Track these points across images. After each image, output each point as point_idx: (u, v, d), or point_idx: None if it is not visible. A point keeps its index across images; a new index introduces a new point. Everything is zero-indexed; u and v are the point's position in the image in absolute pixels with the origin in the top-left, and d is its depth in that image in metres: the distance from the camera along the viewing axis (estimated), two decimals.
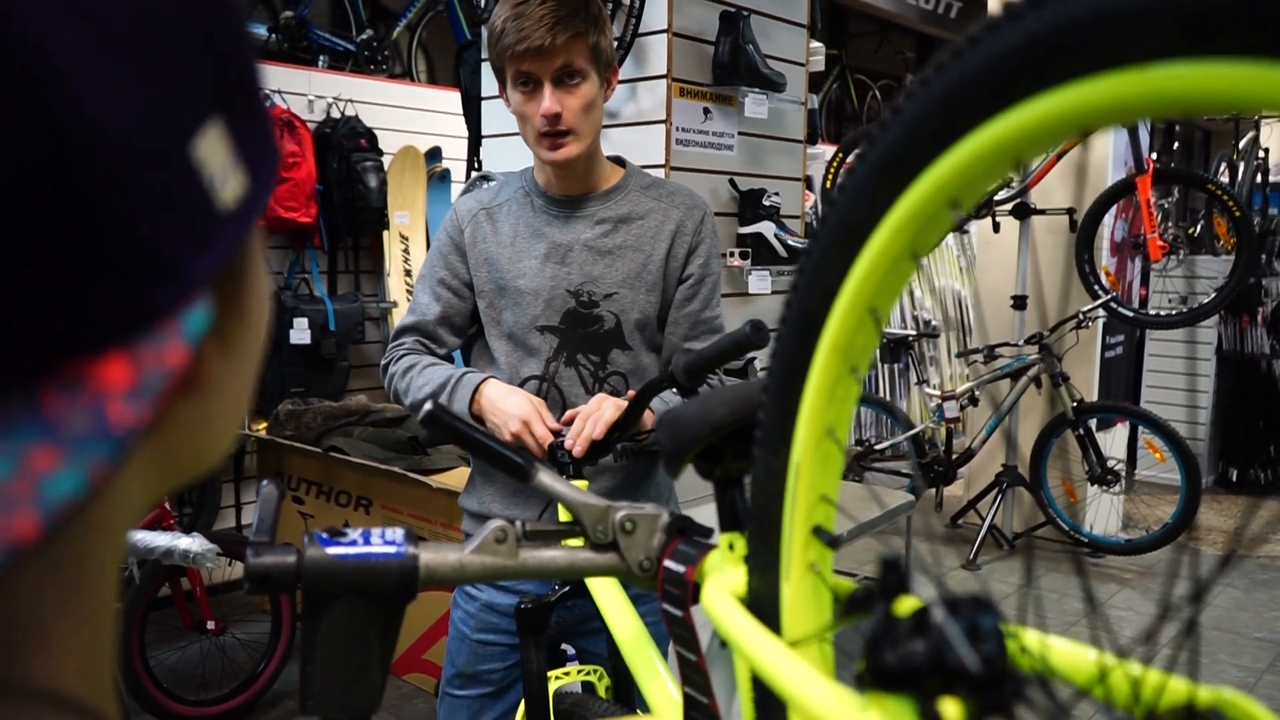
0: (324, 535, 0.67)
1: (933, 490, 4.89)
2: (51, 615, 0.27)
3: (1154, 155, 4.58)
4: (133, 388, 0.26)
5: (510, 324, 1.57)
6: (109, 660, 0.30)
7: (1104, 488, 4.47)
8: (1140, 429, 4.82)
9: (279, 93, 4.05)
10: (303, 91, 4.18)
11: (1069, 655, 0.41)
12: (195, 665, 3.09)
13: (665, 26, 2.61)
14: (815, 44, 3.18)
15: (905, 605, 0.39)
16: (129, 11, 0.25)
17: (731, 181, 2.81)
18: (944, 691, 0.36)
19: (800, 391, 0.53)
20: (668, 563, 0.75)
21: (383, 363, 1.61)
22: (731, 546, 0.71)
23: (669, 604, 0.75)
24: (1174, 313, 4.71)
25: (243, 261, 0.31)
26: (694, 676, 0.77)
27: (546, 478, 0.79)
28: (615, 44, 2.56)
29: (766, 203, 2.80)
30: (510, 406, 1.44)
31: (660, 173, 2.59)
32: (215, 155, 0.27)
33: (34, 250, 0.23)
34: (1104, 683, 0.39)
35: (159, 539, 2.16)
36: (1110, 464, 4.46)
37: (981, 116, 0.40)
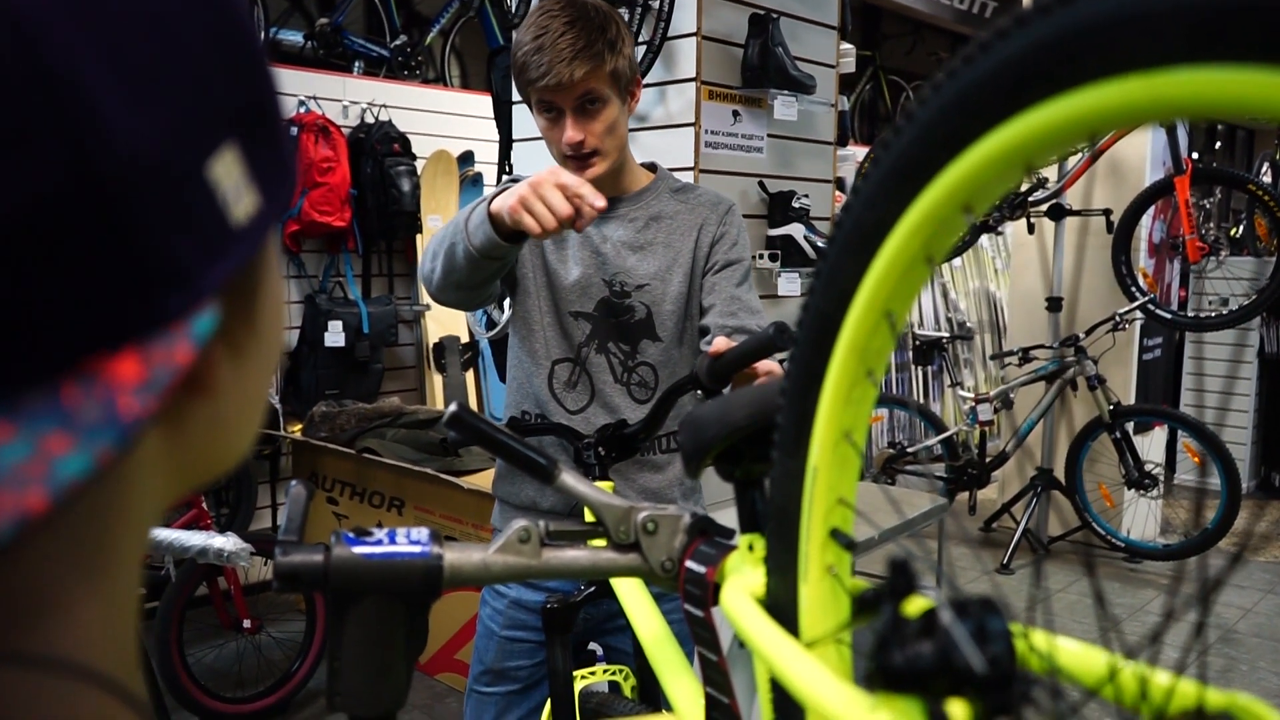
0: (350, 535, 0.68)
1: (966, 493, 4.84)
2: (71, 589, 0.29)
3: (1194, 155, 4.51)
4: (142, 382, 0.28)
5: (551, 304, 1.59)
6: (131, 637, 0.32)
7: (1141, 492, 4.41)
8: (1179, 432, 4.75)
9: (314, 99, 4.10)
10: (337, 97, 4.23)
11: (1078, 656, 0.41)
12: (232, 663, 3.13)
13: (694, 30, 2.61)
14: (846, 46, 3.17)
15: (915, 606, 0.39)
16: (152, 46, 0.28)
17: (761, 184, 2.81)
18: (952, 693, 0.36)
19: (817, 395, 0.54)
20: (689, 563, 0.75)
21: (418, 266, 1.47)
22: (751, 548, 0.72)
23: (690, 604, 0.76)
24: (1214, 315, 4.64)
25: (254, 275, 0.33)
26: (715, 676, 0.77)
27: (569, 479, 0.80)
28: (644, 47, 2.57)
29: (796, 205, 2.79)
30: (523, 183, 1.29)
31: (689, 175, 2.59)
32: (229, 176, 0.30)
33: (61, 258, 0.25)
34: (1113, 684, 0.39)
35: (194, 538, 2.20)
36: (1148, 468, 4.40)
37: (993, 121, 0.40)
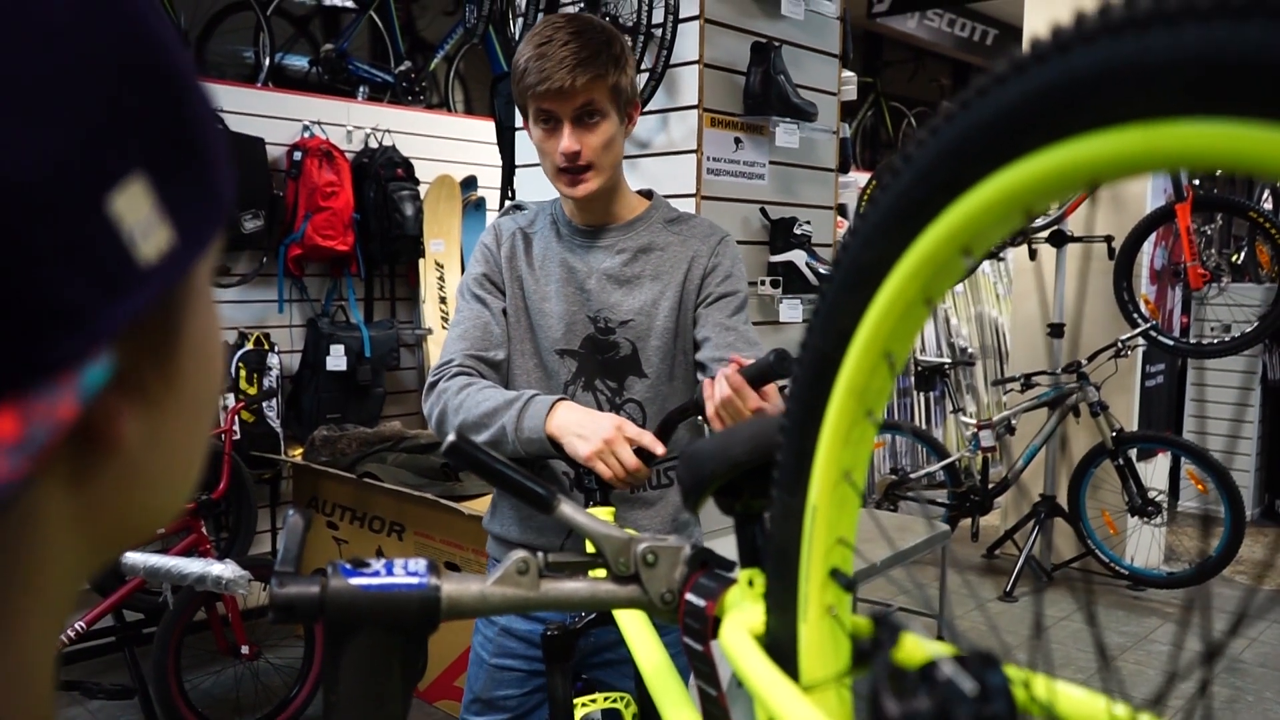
0: (347, 566, 0.68)
1: (968, 520, 4.82)
2: None
3: (1195, 181, 4.52)
4: (16, 442, 0.24)
5: (533, 347, 1.59)
6: (46, 715, 0.29)
7: (1145, 519, 4.38)
8: (1182, 459, 4.73)
9: (318, 124, 4.13)
10: (342, 122, 4.26)
11: (1080, 704, 0.41)
12: (230, 689, 3.11)
13: (697, 57, 2.63)
14: (847, 73, 3.19)
15: (915, 655, 0.39)
16: (38, 66, 0.25)
17: (762, 210, 2.82)
18: None
19: (816, 434, 0.53)
20: (689, 596, 0.75)
21: (430, 379, 1.53)
22: (751, 583, 0.71)
23: (690, 638, 0.75)
24: (1216, 341, 4.63)
25: (172, 318, 0.30)
26: (714, 711, 0.76)
27: (568, 509, 0.80)
28: (647, 74, 2.59)
29: (798, 231, 2.80)
30: (591, 424, 1.36)
31: (691, 202, 2.60)
32: (135, 210, 0.27)
33: None
34: None
35: (192, 565, 2.19)
36: (1151, 495, 4.38)
37: (992, 167, 0.40)
